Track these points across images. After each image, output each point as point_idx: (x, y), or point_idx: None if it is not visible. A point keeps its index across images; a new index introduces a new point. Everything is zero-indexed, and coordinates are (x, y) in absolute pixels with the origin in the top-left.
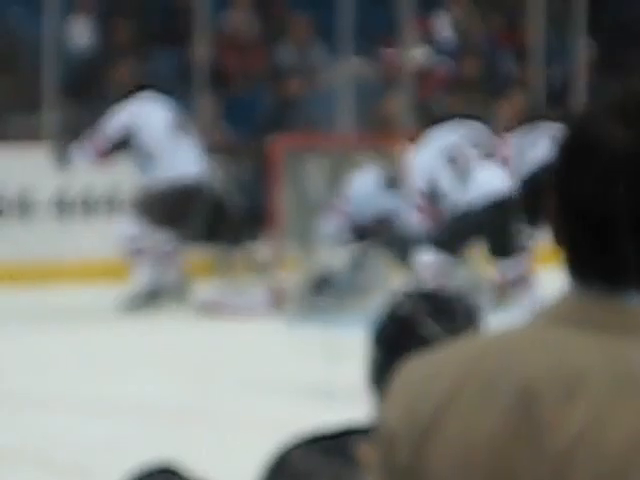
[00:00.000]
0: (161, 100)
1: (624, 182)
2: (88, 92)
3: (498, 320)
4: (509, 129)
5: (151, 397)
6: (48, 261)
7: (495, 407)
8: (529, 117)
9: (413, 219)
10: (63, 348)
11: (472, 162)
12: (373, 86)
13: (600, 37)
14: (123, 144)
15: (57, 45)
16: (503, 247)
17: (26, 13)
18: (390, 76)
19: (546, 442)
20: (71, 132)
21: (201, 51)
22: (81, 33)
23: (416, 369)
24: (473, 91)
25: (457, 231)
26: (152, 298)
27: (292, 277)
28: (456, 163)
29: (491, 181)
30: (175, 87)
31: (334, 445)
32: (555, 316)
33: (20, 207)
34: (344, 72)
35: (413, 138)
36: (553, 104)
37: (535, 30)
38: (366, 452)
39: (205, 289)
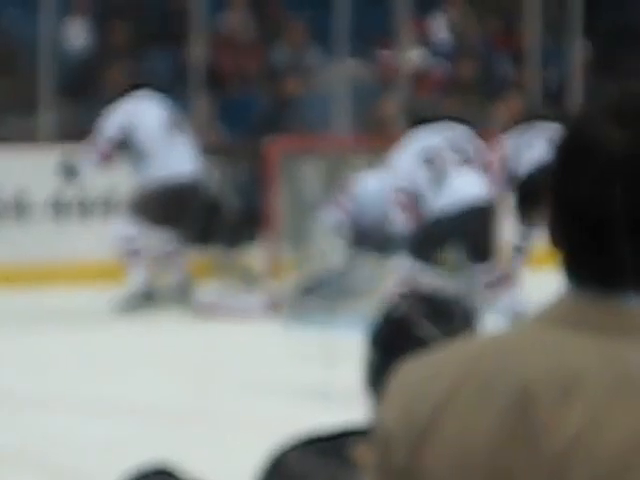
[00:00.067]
0: (156, 98)
1: (620, 183)
2: (84, 93)
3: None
4: (505, 131)
5: (149, 398)
6: (44, 262)
7: (492, 408)
8: (526, 117)
9: (397, 219)
10: (60, 349)
11: (449, 166)
12: (369, 88)
13: (596, 40)
14: (123, 144)
15: (53, 46)
16: (478, 253)
17: (22, 14)
18: (386, 78)
19: (543, 443)
20: (73, 145)
21: (197, 52)
22: (77, 34)
23: (413, 370)
24: (469, 93)
25: (430, 237)
26: (147, 299)
27: (288, 279)
28: (433, 165)
29: (467, 187)
30: (171, 88)
31: (330, 447)
32: (552, 318)
33: (17, 208)
34: (340, 74)
35: None
36: (549, 106)
37: (531, 32)
38: (363, 453)
39: (202, 291)
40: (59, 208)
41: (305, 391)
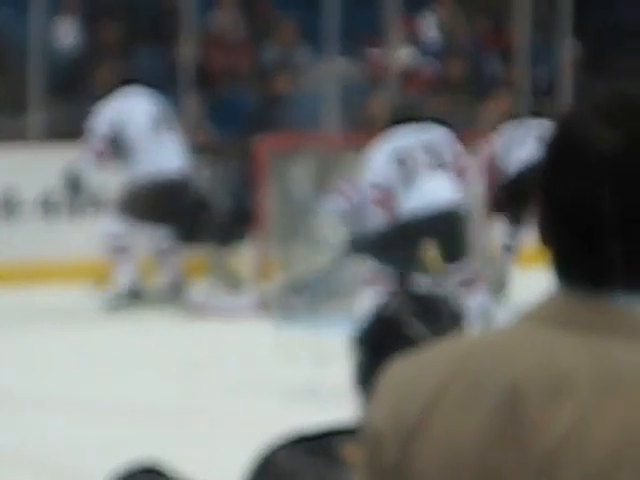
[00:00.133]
0: (145, 95)
1: (610, 183)
2: (74, 92)
3: None
4: (494, 130)
5: (140, 398)
6: (34, 261)
7: (481, 407)
8: (516, 114)
9: (372, 215)
10: (53, 349)
11: (420, 168)
12: (359, 86)
13: (585, 38)
14: (114, 141)
15: (43, 45)
16: (449, 253)
17: (12, 14)
18: (376, 77)
19: (533, 443)
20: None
21: (187, 51)
22: (67, 33)
23: (402, 369)
24: (458, 92)
25: (396, 239)
26: (134, 298)
27: (277, 278)
28: (404, 166)
29: (436, 191)
30: (161, 87)
31: (319, 446)
32: (542, 317)
33: (6, 207)
34: (330, 72)
35: None
36: (539, 104)
37: (521, 31)
38: (352, 452)
39: (194, 290)
40: (48, 207)
41: (294, 390)
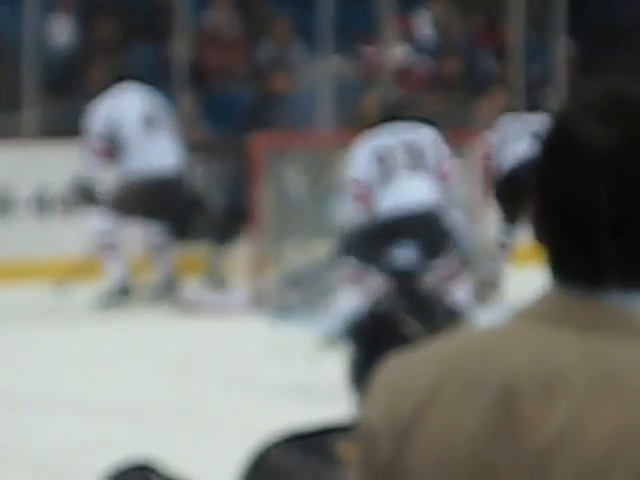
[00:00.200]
0: (139, 92)
1: (604, 180)
2: (69, 89)
3: None
4: (489, 127)
5: (133, 396)
6: (28, 259)
7: (476, 405)
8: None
9: (347, 209)
10: (45, 347)
11: (399, 168)
12: (353, 84)
13: (579, 36)
14: (110, 139)
15: (38, 43)
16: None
17: (6, 11)
18: (370, 74)
19: (527, 440)
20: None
21: (181, 49)
22: (61, 31)
23: (397, 367)
24: (453, 90)
25: (368, 238)
26: (123, 294)
27: (272, 275)
28: (384, 164)
29: (411, 192)
30: (155, 84)
31: (313, 443)
32: (536, 315)
33: (0, 205)
34: (324, 70)
35: None
36: (533, 103)
37: (515, 29)
38: (347, 450)
39: (187, 287)
40: (43, 205)
41: (288, 388)
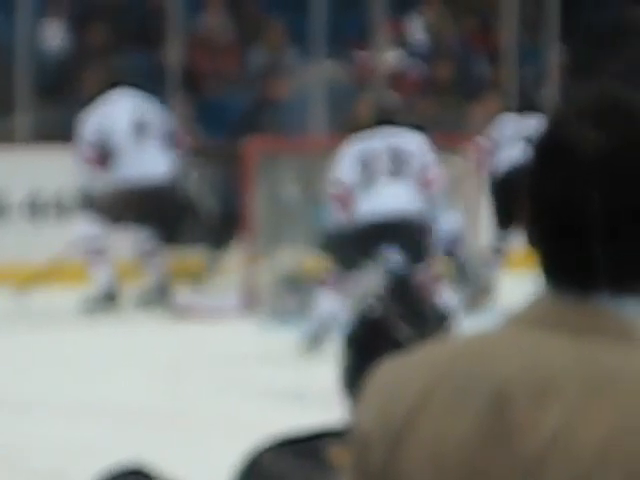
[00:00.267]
0: (131, 97)
1: (596, 184)
2: (62, 94)
3: None
4: (482, 132)
5: (125, 400)
6: (21, 263)
7: (468, 409)
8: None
9: (330, 211)
10: (39, 351)
11: (380, 174)
12: (346, 89)
13: (572, 40)
14: (101, 146)
15: (30, 47)
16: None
17: None
18: (363, 79)
19: (519, 445)
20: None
21: (174, 54)
22: (54, 35)
23: (390, 371)
24: (446, 94)
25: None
26: (110, 300)
27: (265, 279)
28: (367, 169)
29: (388, 199)
30: (148, 89)
31: (306, 448)
32: (529, 319)
33: None
34: (317, 75)
35: None
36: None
37: (508, 33)
38: (340, 454)
39: (180, 291)
40: (35, 209)
41: (281, 392)
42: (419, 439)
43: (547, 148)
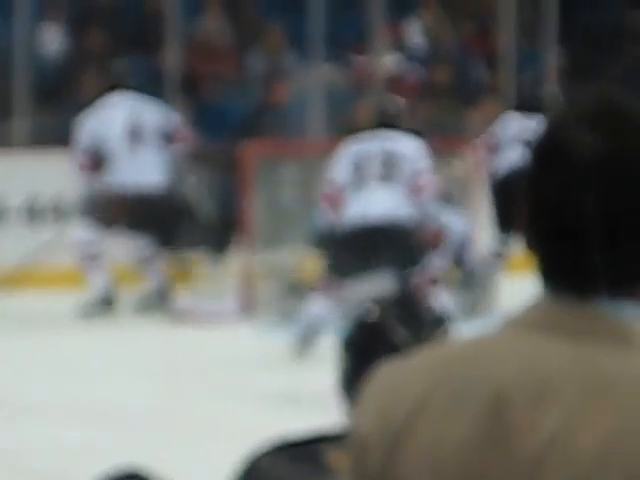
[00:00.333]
0: (128, 101)
1: (593, 188)
2: (59, 98)
3: None
4: (480, 135)
5: (121, 403)
6: (19, 268)
7: (466, 413)
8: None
9: (321, 211)
10: (37, 354)
11: (371, 178)
12: (344, 93)
13: (570, 44)
14: (97, 152)
15: (28, 52)
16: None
17: None
18: (361, 83)
19: (517, 448)
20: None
21: (172, 57)
22: (52, 39)
23: (388, 375)
24: (444, 98)
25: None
26: (106, 304)
27: (263, 284)
28: (359, 171)
29: (375, 204)
30: (146, 93)
31: (304, 452)
32: (527, 323)
33: None
34: (315, 79)
35: None
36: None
37: (506, 37)
38: (338, 458)
39: (179, 296)
40: (33, 214)
41: (278, 396)
42: (417, 442)
43: (544, 151)
